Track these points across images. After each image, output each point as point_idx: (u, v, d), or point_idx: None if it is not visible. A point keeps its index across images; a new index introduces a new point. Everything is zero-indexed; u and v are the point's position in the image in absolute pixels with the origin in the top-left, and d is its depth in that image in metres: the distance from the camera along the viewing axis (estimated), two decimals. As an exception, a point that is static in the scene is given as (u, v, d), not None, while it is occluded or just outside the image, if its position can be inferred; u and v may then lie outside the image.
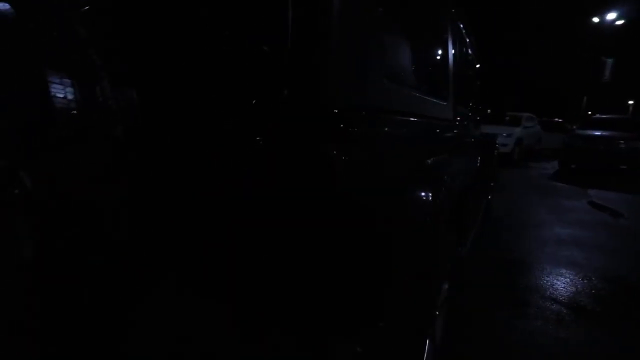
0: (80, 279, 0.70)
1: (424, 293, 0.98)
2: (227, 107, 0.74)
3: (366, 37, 0.84)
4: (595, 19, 20.13)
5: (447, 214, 1.11)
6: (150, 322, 0.74)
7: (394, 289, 0.86)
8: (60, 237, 0.69)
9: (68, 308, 0.71)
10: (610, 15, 19.46)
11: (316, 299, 0.71)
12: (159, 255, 0.73)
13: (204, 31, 0.80)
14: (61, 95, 0.63)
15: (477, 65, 2.75)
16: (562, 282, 2.57)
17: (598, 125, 8.99)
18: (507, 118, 10.63)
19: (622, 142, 7.95)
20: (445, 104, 1.44)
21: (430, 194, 0.97)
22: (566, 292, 2.43)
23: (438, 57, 1.43)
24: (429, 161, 1.13)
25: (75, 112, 0.65)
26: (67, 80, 0.63)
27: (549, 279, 2.62)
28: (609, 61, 19.73)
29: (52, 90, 0.62)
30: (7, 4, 0.77)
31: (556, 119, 15.71)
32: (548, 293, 2.39)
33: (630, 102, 33.85)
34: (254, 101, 0.72)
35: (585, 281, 2.61)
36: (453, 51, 1.53)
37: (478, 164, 2.50)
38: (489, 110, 3.12)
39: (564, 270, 2.78)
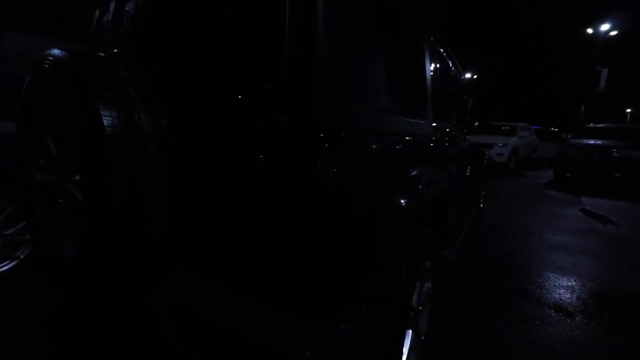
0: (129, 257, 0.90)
1: (401, 284, 1.16)
2: (239, 129, 0.95)
3: (351, 74, 1.04)
4: (590, 30, 20.58)
5: (423, 217, 1.29)
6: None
7: (372, 278, 1.04)
8: (110, 230, 0.88)
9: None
10: (605, 26, 19.91)
11: (308, 286, 0.89)
12: (183, 238, 0.93)
13: (216, 71, 1.01)
14: (110, 123, 0.83)
15: (460, 83, 2.97)
16: (547, 285, 2.72)
17: (592, 134, 9.18)
18: (507, 128, 10.90)
19: (615, 150, 8.12)
20: (423, 122, 1.64)
21: (404, 200, 1.15)
22: (550, 294, 2.58)
23: (416, 82, 1.64)
24: (407, 172, 1.32)
25: (120, 135, 0.85)
26: (115, 113, 0.84)
27: (535, 282, 2.77)
28: (604, 71, 20.06)
29: (104, 119, 0.82)
30: (63, 51, 0.98)
31: (552, 129, 15.94)
32: (534, 295, 2.54)
33: (628, 110, 34.15)
34: (259, 125, 0.93)
35: (568, 284, 2.76)
36: (431, 74, 1.74)
37: (463, 173, 2.69)
38: (476, 123, 3.32)
39: (550, 274, 2.93)
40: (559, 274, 2.95)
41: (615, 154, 8.06)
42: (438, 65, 1.93)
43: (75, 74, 0.87)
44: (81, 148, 0.86)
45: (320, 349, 0.80)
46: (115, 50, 1.20)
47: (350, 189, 0.95)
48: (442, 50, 2.09)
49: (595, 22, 19.98)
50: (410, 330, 1.48)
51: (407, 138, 1.44)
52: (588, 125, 10.53)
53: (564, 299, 2.51)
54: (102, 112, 0.80)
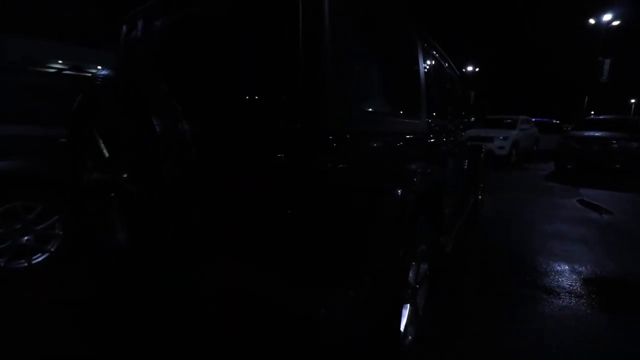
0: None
1: (397, 262, 1.36)
2: (258, 134, 1.15)
3: (353, 84, 1.23)
4: (592, 20, 20.45)
5: (416, 206, 1.49)
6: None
7: (372, 256, 1.24)
8: (161, 219, 1.09)
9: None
10: (608, 16, 19.78)
11: (321, 263, 1.10)
12: (216, 227, 1.14)
13: (235, 85, 1.21)
14: (160, 130, 1.04)
15: (456, 81, 3.14)
16: (540, 270, 2.91)
17: (592, 125, 9.29)
18: (508, 121, 11.01)
19: (615, 142, 8.23)
20: (417, 121, 1.83)
21: (398, 192, 1.34)
22: (541, 277, 2.77)
23: (411, 85, 1.82)
24: (401, 167, 1.51)
25: (169, 140, 1.05)
26: (164, 121, 1.04)
27: (528, 267, 2.96)
28: (607, 61, 19.96)
29: (156, 127, 1.02)
30: (110, 71, 1.18)
31: (554, 121, 15.98)
32: (526, 279, 2.73)
33: (633, 100, 33.88)
34: (274, 129, 1.13)
35: (558, 268, 2.95)
36: (425, 78, 1.92)
37: (459, 167, 2.87)
38: (472, 118, 3.50)
39: (541, 259, 3.12)
40: (549, 259, 3.13)
41: (615, 145, 8.18)
42: (431, 68, 2.11)
43: (130, 91, 1.07)
44: (136, 151, 1.06)
45: (333, 309, 1.01)
46: (147, 67, 1.41)
47: (352, 182, 1.15)
48: (434, 52, 2.27)
49: (598, 12, 19.89)
50: (409, 305, 1.68)
51: (403, 136, 1.63)
52: (588, 117, 10.62)
53: (554, 282, 2.69)
54: (154, 122, 1.00)
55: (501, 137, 9.98)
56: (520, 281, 2.69)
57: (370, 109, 1.43)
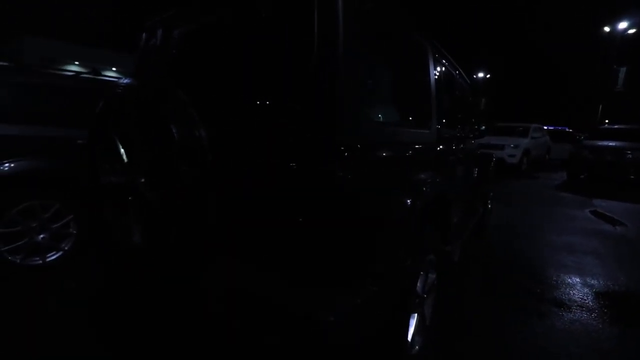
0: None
1: (405, 270, 1.37)
2: (272, 143, 1.18)
3: (365, 96, 1.26)
4: (607, 28, 20.15)
5: (423, 216, 1.49)
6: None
7: (379, 264, 1.25)
8: (175, 221, 1.12)
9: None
10: (624, 24, 19.48)
11: (330, 268, 1.12)
12: (227, 229, 1.17)
13: (253, 96, 1.25)
14: (179, 137, 1.07)
15: (466, 91, 3.14)
16: (548, 282, 2.86)
17: (606, 135, 9.10)
18: (519, 128, 10.89)
19: (629, 152, 8.06)
20: (427, 131, 1.84)
21: (405, 201, 1.35)
22: (549, 290, 2.73)
23: (421, 97, 1.84)
24: (409, 177, 1.52)
25: (186, 146, 1.09)
26: (183, 128, 1.08)
27: (537, 279, 2.92)
28: (622, 70, 19.63)
29: (174, 133, 1.06)
30: (132, 80, 1.23)
31: (567, 129, 15.74)
32: (534, 291, 2.70)
33: (648, 109, 33.09)
34: (289, 139, 1.15)
35: (569, 281, 2.90)
36: (435, 89, 1.93)
37: (468, 176, 2.86)
38: (483, 127, 3.48)
39: (552, 271, 3.08)
40: (562, 272, 3.08)
41: (629, 156, 8.00)
42: (442, 78, 2.13)
43: (148, 98, 1.11)
44: (154, 156, 1.10)
45: (340, 314, 1.03)
46: (165, 74, 1.45)
47: (360, 191, 1.17)
48: (445, 61, 2.28)
49: (613, 20, 19.59)
50: (416, 315, 1.68)
51: (413, 146, 1.64)
52: (601, 126, 10.43)
53: (564, 294, 2.65)
54: (171, 128, 1.04)
55: (512, 145, 9.88)
56: (530, 293, 2.66)
57: (381, 120, 1.45)
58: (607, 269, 3.21)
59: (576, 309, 2.43)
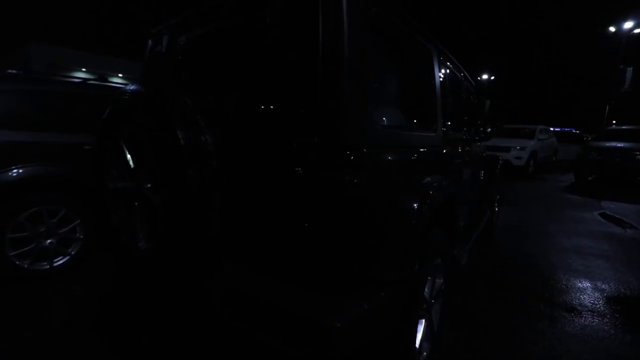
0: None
1: (412, 274, 1.35)
2: (280, 148, 1.17)
3: (371, 102, 1.25)
4: (612, 28, 19.97)
5: (430, 219, 1.48)
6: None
7: (387, 269, 1.24)
8: (182, 226, 1.12)
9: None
10: (629, 24, 19.28)
11: (336, 273, 1.10)
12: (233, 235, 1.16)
13: (262, 102, 1.25)
14: (185, 142, 1.08)
15: (472, 93, 3.12)
16: (557, 286, 2.81)
17: (614, 136, 8.99)
18: (525, 130, 10.79)
19: (638, 153, 7.95)
20: (433, 134, 1.82)
21: (412, 205, 1.34)
22: (558, 294, 2.68)
23: (427, 100, 1.83)
24: (416, 180, 1.51)
25: (192, 151, 1.09)
26: (189, 133, 1.08)
27: (546, 282, 2.87)
28: (629, 70, 19.38)
29: (180, 138, 1.06)
30: (141, 86, 1.23)
31: (574, 130, 15.58)
32: (544, 294, 2.65)
33: (657, 110, 32.65)
34: (296, 144, 1.15)
35: (579, 285, 2.85)
36: (441, 92, 1.92)
37: (474, 179, 2.83)
38: (489, 129, 3.45)
39: (561, 275, 3.02)
40: (572, 276, 3.03)
41: (638, 157, 7.90)
42: (447, 81, 2.11)
43: (155, 104, 1.11)
44: (162, 161, 1.11)
45: (346, 319, 1.02)
46: (171, 81, 1.46)
47: (367, 196, 1.16)
48: (450, 64, 2.26)
49: (619, 20, 19.41)
50: (424, 320, 1.66)
51: (419, 149, 1.62)
52: (610, 127, 10.30)
53: (574, 299, 2.60)
54: (178, 134, 1.04)
55: (519, 147, 9.78)
56: (539, 297, 2.61)
57: (387, 124, 1.44)
58: (618, 272, 3.15)
59: (587, 314, 2.39)
